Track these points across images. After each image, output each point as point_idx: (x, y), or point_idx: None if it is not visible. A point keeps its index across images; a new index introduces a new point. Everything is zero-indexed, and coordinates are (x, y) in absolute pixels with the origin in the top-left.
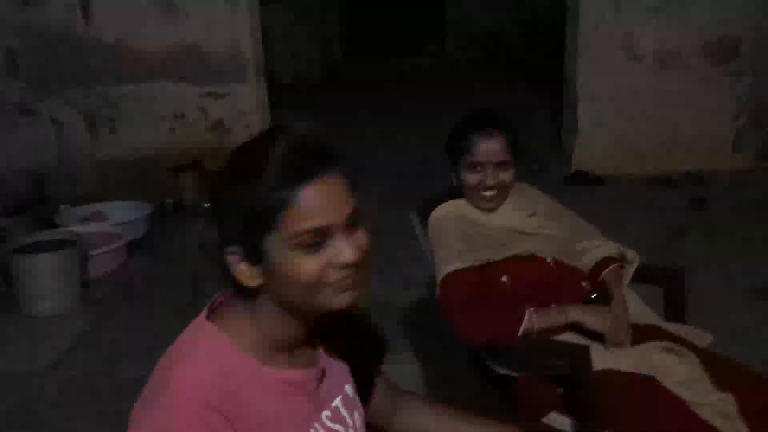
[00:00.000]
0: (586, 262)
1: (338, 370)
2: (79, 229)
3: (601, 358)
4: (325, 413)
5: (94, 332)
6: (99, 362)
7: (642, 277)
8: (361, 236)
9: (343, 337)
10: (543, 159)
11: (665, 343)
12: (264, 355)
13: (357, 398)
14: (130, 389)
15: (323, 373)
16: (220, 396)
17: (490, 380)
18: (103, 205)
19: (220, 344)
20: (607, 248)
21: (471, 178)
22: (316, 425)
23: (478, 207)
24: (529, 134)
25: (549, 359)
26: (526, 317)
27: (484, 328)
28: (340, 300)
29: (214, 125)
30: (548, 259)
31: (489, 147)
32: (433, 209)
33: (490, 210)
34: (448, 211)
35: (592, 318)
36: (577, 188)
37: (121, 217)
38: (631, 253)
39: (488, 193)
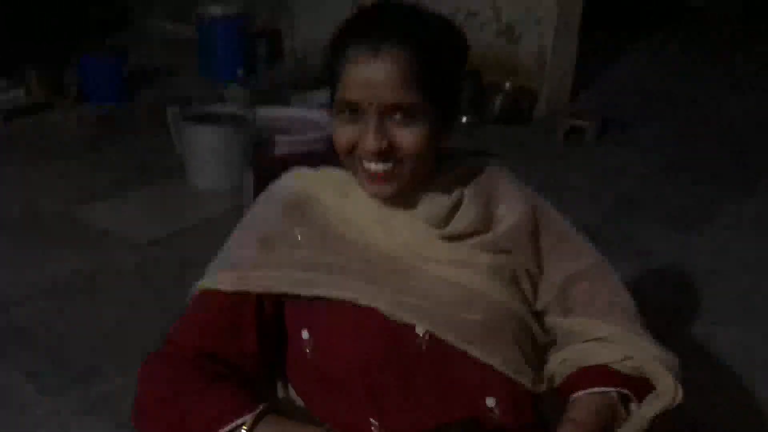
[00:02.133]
0: (555, 366)
1: None
2: (282, 113)
3: None
4: None
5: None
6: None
7: None
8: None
9: None
10: None
11: None
12: None
13: None
14: None
15: None
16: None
17: None
18: None
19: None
20: (625, 349)
21: (340, 132)
22: None
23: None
24: None
25: None
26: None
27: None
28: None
29: (504, 30)
30: (420, 330)
31: (370, 73)
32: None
33: (382, 201)
34: (300, 185)
35: None
36: None
37: None
38: (666, 382)
39: (372, 167)
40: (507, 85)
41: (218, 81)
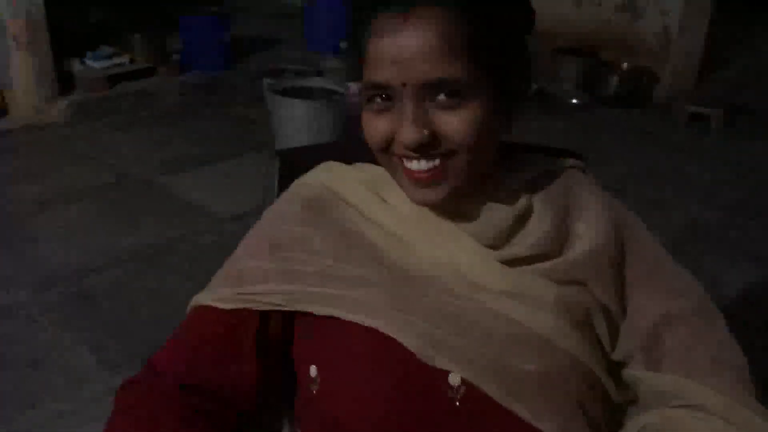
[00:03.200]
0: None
1: None
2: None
3: None
4: None
5: None
6: None
7: None
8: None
9: None
10: None
11: None
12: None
13: None
14: None
15: None
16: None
17: None
18: None
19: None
20: (729, 428)
21: (370, 125)
22: None
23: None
24: None
25: None
26: None
27: None
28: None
29: (625, 5)
30: (454, 378)
31: (400, 44)
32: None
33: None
34: (326, 181)
35: None
36: None
37: None
38: None
39: (413, 165)
40: (624, 64)
41: (320, 52)
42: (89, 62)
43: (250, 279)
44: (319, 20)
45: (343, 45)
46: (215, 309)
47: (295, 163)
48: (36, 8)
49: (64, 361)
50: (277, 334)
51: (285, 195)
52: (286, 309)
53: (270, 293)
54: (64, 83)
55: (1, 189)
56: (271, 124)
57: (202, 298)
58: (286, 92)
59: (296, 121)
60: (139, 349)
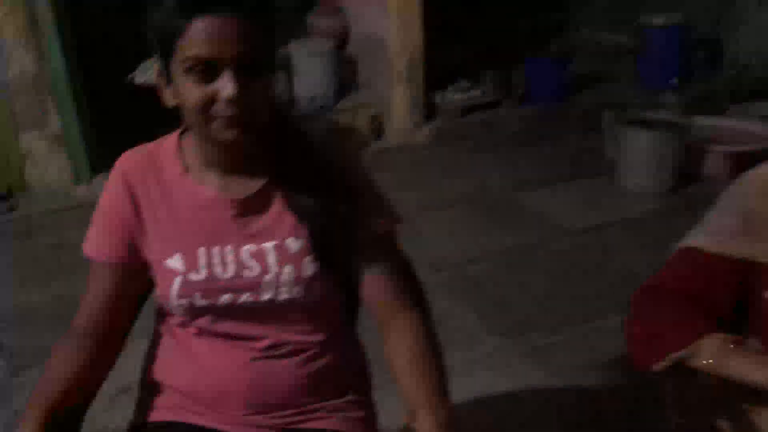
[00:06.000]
0: None
1: (288, 218)
2: (720, 122)
3: None
4: (248, 247)
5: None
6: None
7: None
8: (252, 84)
9: (319, 183)
10: None
11: None
12: (193, 167)
13: (302, 256)
14: None
15: (255, 207)
16: (135, 172)
17: None
18: None
19: (169, 143)
20: None
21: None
22: (229, 247)
23: None
24: None
25: None
26: (702, 343)
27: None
28: (225, 135)
29: None
30: None
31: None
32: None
33: None
34: None
35: None
36: None
37: None
38: None
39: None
40: None
41: (652, 88)
42: (449, 94)
43: (725, 234)
44: (653, 58)
45: (675, 81)
46: (700, 250)
47: None
48: (417, 48)
49: (458, 324)
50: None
51: (741, 179)
52: (752, 260)
53: (742, 246)
54: (428, 111)
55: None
56: (607, 152)
57: (690, 243)
58: (629, 124)
59: (641, 150)
60: (515, 323)
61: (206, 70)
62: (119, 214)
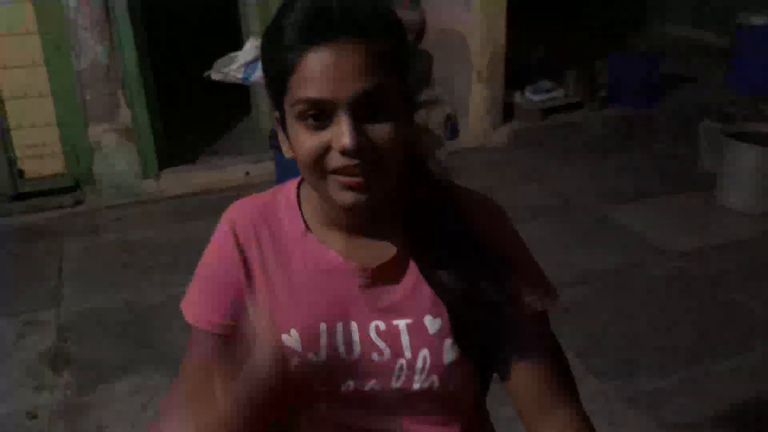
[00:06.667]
0: None
1: (426, 291)
2: None
3: None
4: (376, 323)
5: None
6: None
7: None
8: (379, 128)
9: (461, 251)
10: None
11: None
12: (315, 226)
13: (441, 339)
14: None
15: (388, 277)
16: (247, 227)
17: None
18: None
19: (285, 194)
20: None
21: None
22: (354, 324)
23: None
24: None
25: None
26: None
27: None
28: (341, 197)
29: None
30: None
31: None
32: None
33: None
34: None
35: None
36: None
37: None
38: None
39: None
40: None
41: (748, 93)
42: (529, 95)
43: None
44: (751, 59)
45: None
46: None
47: None
48: (499, 47)
49: None
50: None
51: None
52: None
53: None
54: (506, 112)
55: None
56: (703, 164)
57: None
58: (733, 136)
59: (747, 167)
60: (617, 361)
61: (320, 114)
62: (228, 277)
